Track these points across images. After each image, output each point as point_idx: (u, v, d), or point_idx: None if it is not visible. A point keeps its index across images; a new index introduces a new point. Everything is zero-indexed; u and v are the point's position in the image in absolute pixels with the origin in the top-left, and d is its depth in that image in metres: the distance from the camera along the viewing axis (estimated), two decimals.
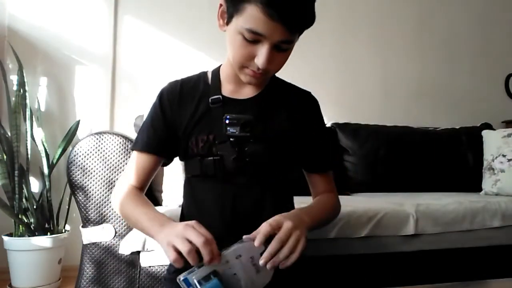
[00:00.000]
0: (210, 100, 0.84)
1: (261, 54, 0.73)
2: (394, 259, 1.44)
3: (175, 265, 0.63)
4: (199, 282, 0.61)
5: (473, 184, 2.14)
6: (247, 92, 0.87)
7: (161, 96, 0.89)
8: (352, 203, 1.47)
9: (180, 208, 0.93)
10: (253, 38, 0.72)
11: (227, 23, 0.76)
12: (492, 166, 2.04)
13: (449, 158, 2.28)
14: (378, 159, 2.17)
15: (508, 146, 2.02)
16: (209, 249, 0.62)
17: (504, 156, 2.01)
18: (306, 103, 0.92)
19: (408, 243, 1.46)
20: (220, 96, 0.84)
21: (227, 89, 0.86)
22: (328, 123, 2.28)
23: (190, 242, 0.62)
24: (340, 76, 2.63)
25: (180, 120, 0.85)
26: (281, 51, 0.75)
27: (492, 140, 2.13)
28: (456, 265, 1.50)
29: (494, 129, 2.37)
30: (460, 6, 2.89)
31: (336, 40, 2.64)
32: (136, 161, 0.87)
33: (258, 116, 0.81)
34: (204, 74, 0.90)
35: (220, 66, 0.90)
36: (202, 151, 0.82)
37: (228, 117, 0.77)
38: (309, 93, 0.94)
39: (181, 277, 0.62)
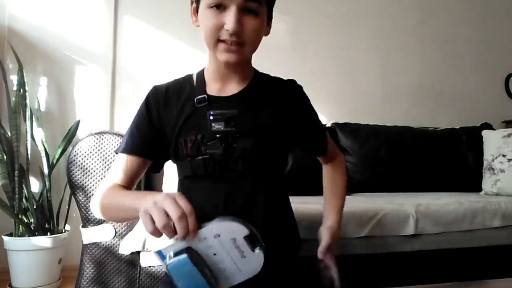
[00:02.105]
0: (195, 100, 0.83)
1: (229, 17, 0.73)
2: (394, 259, 1.44)
3: (153, 236, 0.60)
4: (169, 256, 0.58)
5: (473, 184, 2.14)
6: (232, 89, 0.86)
7: (147, 99, 0.88)
8: (352, 203, 1.46)
9: None
10: (219, 2, 0.73)
11: (197, 12, 0.80)
12: (492, 166, 2.04)
13: (449, 158, 2.28)
14: (378, 159, 2.17)
15: (508, 146, 2.02)
16: (183, 224, 0.58)
17: (504, 156, 2.01)
18: (291, 92, 0.92)
19: (408, 243, 1.46)
20: (205, 96, 0.84)
21: (212, 88, 0.86)
22: (328, 123, 2.28)
23: (168, 214, 0.59)
24: (340, 76, 2.63)
25: (168, 122, 0.85)
26: (251, 13, 0.75)
27: (492, 140, 2.13)
28: (456, 265, 1.50)
29: (494, 129, 2.37)
30: (460, 6, 2.89)
31: (336, 40, 2.64)
32: (119, 163, 0.85)
33: (243, 110, 0.80)
34: (189, 76, 0.90)
35: (203, 68, 0.90)
36: (191, 152, 0.82)
37: (212, 113, 0.77)
38: (292, 81, 0.93)
39: (156, 248, 0.60)
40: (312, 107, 0.95)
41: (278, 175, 0.89)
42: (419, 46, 2.80)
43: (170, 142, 0.85)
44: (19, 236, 1.85)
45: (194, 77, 0.89)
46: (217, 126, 0.77)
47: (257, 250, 0.61)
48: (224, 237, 0.60)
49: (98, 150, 1.24)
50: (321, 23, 2.60)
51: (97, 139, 1.25)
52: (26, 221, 1.88)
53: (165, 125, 0.85)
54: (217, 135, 0.78)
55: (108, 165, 1.24)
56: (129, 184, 0.85)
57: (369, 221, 1.41)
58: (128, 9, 2.30)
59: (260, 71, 0.92)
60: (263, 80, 0.90)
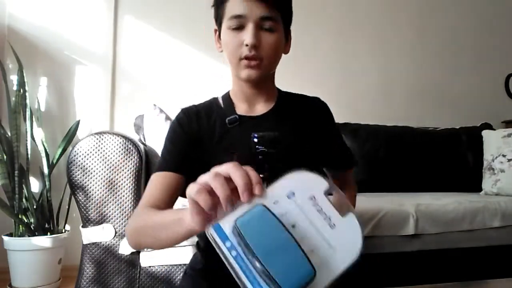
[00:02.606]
0: (227, 121, 0.85)
1: (247, 33, 0.78)
2: (394, 259, 1.45)
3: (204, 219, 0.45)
4: (234, 223, 0.41)
5: (473, 184, 2.14)
6: (260, 109, 0.89)
7: (179, 118, 0.88)
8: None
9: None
10: (238, 23, 0.79)
11: (220, 37, 0.85)
12: (492, 166, 2.04)
13: (449, 158, 2.28)
14: (378, 159, 2.18)
15: (508, 146, 2.02)
16: (247, 179, 0.44)
17: (504, 156, 2.01)
18: (318, 110, 0.94)
19: (408, 243, 1.47)
20: (236, 116, 0.86)
21: (240, 108, 0.88)
22: None
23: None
24: (340, 76, 2.63)
25: (200, 141, 0.85)
26: (266, 30, 0.80)
27: (492, 140, 2.13)
28: (456, 265, 1.50)
29: (494, 129, 2.37)
30: (460, 6, 2.89)
31: (336, 40, 2.64)
32: (156, 183, 0.80)
33: (274, 130, 0.83)
34: (215, 99, 0.93)
35: (228, 91, 0.93)
36: None
37: (255, 135, 0.80)
38: (317, 99, 0.96)
39: (211, 225, 0.42)
40: (335, 124, 0.99)
41: None
42: (419, 46, 2.80)
43: (202, 161, 0.82)
44: (19, 236, 1.85)
45: (220, 100, 0.91)
46: (261, 148, 0.79)
47: (348, 216, 0.43)
48: (301, 196, 0.43)
49: (98, 150, 1.24)
50: (322, 24, 2.60)
51: (97, 139, 1.25)
52: (26, 221, 1.88)
53: (198, 144, 0.85)
54: (260, 156, 0.80)
55: (108, 165, 1.24)
56: (168, 203, 0.78)
57: (369, 221, 1.41)
58: (128, 9, 2.30)
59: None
60: (288, 99, 0.93)
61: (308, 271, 0.39)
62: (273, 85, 0.92)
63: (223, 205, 0.43)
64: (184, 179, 0.81)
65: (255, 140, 0.79)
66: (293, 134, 0.87)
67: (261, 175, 0.65)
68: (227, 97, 0.91)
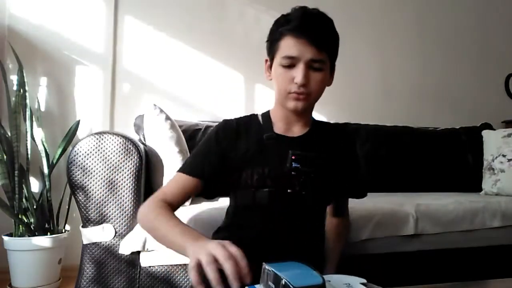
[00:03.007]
0: (264, 137, 0.93)
1: (298, 72, 0.86)
2: (394, 259, 1.44)
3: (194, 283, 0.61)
4: None
5: (473, 184, 2.14)
6: (296, 131, 0.97)
7: (218, 130, 0.97)
8: (352, 203, 1.46)
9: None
10: (290, 63, 0.87)
11: (271, 69, 0.94)
12: (492, 166, 2.04)
13: (449, 158, 2.28)
14: (378, 159, 2.17)
15: (508, 146, 2.02)
16: (239, 265, 0.60)
17: (504, 156, 2.01)
18: (345, 138, 1.04)
19: (408, 243, 1.46)
20: (274, 133, 0.94)
21: (278, 128, 0.97)
22: None
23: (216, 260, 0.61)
24: (340, 76, 2.60)
25: (235, 153, 0.93)
26: (315, 70, 0.88)
27: (492, 140, 2.13)
28: (456, 265, 1.50)
29: (494, 129, 2.37)
30: (460, 6, 2.89)
31: None
32: (177, 181, 0.93)
33: (307, 151, 0.92)
34: (255, 116, 1.01)
35: (269, 110, 1.01)
36: (256, 183, 0.89)
37: (293, 153, 0.89)
38: (347, 128, 1.07)
39: None
40: (357, 152, 1.09)
41: (325, 211, 1.03)
42: (419, 46, 2.80)
43: (233, 172, 0.92)
44: (19, 236, 1.85)
45: (260, 117, 1.00)
46: (295, 165, 0.88)
47: None
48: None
49: (98, 150, 1.24)
50: None
51: (97, 139, 1.25)
52: (26, 221, 1.88)
53: (232, 156, 0.93)
54: (293, 173, 0.88)
55: (108, 165, 1.24)
56: (181, 201, 0.92)
57: (369, 221, 1.41)
58: (128, 9, 2.30)
59: None
60: (322, 125, 1.03)
61: None
62: (311, 114, 1.01)
63: None
64: (202, 184, 0.93)
65: (293, 157, 0.88)
66: (325, 158, 0.94)
67: (288, 190, 0.89)
68: (267, 116, 0.99)
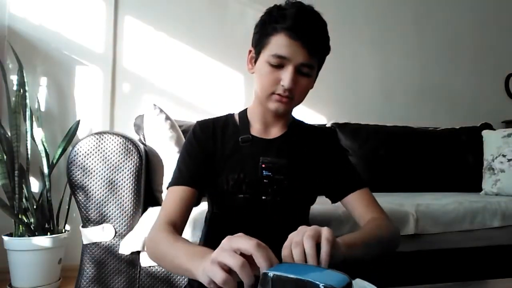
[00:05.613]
0: (240, 139, 0.89)
1: (286, 75, 0.81)
2: (394, 259, 1.44)
3: (226, 287, 0.51)
4: None
5: (473, 184, 2.14)
6: (274, 132, 0.93)
7: (195, 131, 0.92)
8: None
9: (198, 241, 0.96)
10: (279, 63, 0.82)
11: (255, 62, 0.88)
12: (492, 166, 2.04)
13: (449, 158, 2.28)
14: (378, 159, 2.17)
15: (508, 146, 2.02)
16: (265, 254, 0.51)
17: (504, 156, 2.01)
18: (324, 138, 0.99)
19: (408, 243, 1.46)
20: (250, 135, 0.90)
21: (255, 129, 0.93)
22: (328, 123, 2.28)
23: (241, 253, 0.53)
24: (340, 76, 2.62)
25: (214, 155, 0.89)
26: (303, 75, 0.84)
27: (492, 140, 2.13)
28: (456, 265, 1.50)
29: (494, 129, 2.36)
30: (460, 6, 2.89)
31: (336, 40, 2.61)
32: (172, 195, 0.84)
33: (282, 154, 0.88)
34: (231, 115, 0.97)
35: (246, 108, 0.97)
36: (232, 189, 0.86)
37: (263, 161, 0.85)
38: (326, 128, 1.02)
39: None
40: (343, 149, 1.05)
41: (307, 214, 0.98)
42: (419, 46, 2.80)
43: (211, 176, 0.88)
44: (19, 236, 1.85)
45: (236, 117, 0.96)
46: (266, 173, 0.85)
47: None
48: None
49: (98, 150, 1.24)
50: None
51: (97, 139, 1.25)
52: (26, 221, 1.88)
53: (210, 159, 0.89)
54: (265, 180, 0.85)
55: (108, 165, 1.24)
56: (184, 217, 0.84)
57: None
58: (128, 9, 2.30)
59: None
60: (300, 126, 0.99)
61: None
62: (291, 113, 0.97)
63: None
64: (197, 193, 0.86)
65: (263, 165, 0.84)
66: (301, 160, 0.91)
67: (263, 197, 0.84)
68: (244, 115, 0.95)
